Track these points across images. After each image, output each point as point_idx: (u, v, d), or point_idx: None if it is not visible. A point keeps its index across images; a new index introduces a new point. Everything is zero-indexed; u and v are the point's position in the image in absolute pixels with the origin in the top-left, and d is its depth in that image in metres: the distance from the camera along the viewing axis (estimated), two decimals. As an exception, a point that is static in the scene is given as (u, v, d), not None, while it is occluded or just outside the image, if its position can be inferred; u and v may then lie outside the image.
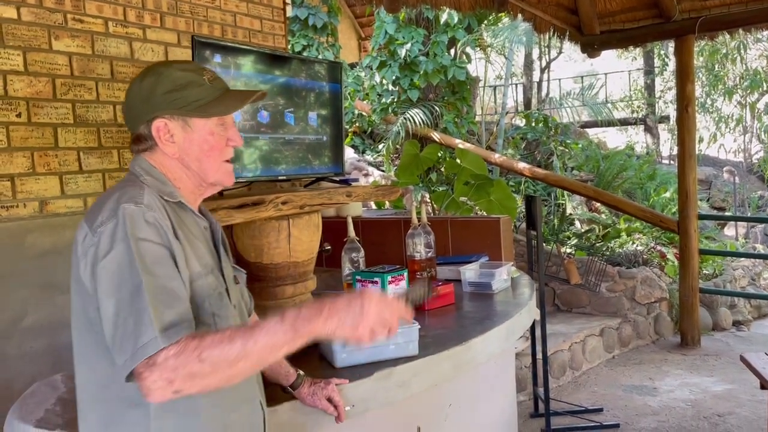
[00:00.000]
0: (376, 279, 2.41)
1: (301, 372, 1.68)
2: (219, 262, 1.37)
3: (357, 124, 8.63)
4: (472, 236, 3.50)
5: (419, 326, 2.02)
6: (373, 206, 5.40)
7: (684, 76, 5.15)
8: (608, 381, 4.49)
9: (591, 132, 13.82)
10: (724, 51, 11.90)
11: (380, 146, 7.75)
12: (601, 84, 12.42)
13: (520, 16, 5.54)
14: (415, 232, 3.20)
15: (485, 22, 7.57)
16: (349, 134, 8.70)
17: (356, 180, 3.73)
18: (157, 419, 1.20)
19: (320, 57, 9.04)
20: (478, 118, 10.24)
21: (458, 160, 4.55)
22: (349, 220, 2.73)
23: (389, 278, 2.41)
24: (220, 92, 1.33)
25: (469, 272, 3.07)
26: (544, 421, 3.67)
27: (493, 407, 2.61)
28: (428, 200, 5.55)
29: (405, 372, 1.93)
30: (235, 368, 1.11)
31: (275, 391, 1.65)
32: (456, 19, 6.90)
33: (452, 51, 7.79)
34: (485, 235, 3.46)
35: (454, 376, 2.14)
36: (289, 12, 5.10)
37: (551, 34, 5.81)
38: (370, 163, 7.77)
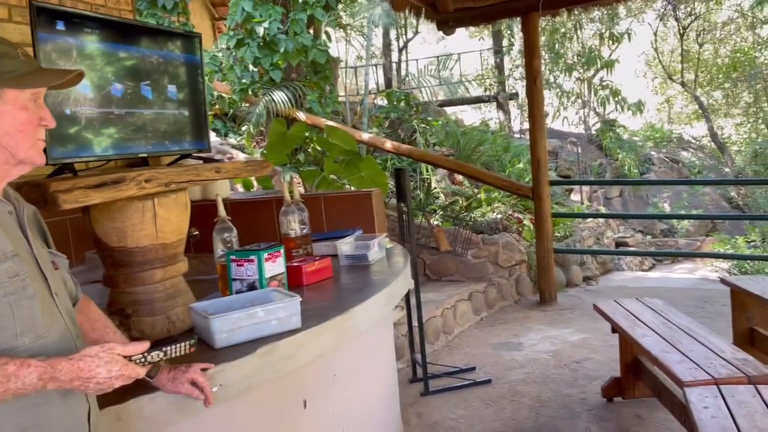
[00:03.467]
0: (252, 257, 2.35)
1: None
2: (30, 247, 1.28)
3: (218, 106, 8.32)
4: (345, 211, 3.52)
5: (300, 299, 2.00)
6: (240, 189, 5.26)
7: (531, 51, 5.50)
8: (479, 341, 4.74)
9: (449, 110, 14.39)
10: (563, 30, 12.82)
11: (243, 128, 7.54)
12: (455, 62, 12.91)
13: (377, -7, 5.61)
14: (289, 210, 3.16)
15: (343, 1, 7.56)
16: (210, 117, 8.38)
17: (221, 160, 3.59)
18: None
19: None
20: (341, 99, 10.28)
21: (329, 138, 4.54)
22: (219, 200, 2.64)
23: (266, 255, 2.35)
24: (35, 67, 1.27)
25: (345, 246, 3.09)
26: (423, 384, 3.81)
27: (375, 375, 2.66)
28: (298, 180, 5.49)
29: (289, 345, 1.92)
30: None
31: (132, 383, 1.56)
32: (313, -2, 6.83)
33: (312, 30, 7.72)
34: (358, 210, 3.49)
35: (338, 345, 2.15)
36: (136, -14, 4.77)
37: (408, 12, 5.94)
38: (233, 146, 7.54)
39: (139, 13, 8.51)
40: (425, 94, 10.75)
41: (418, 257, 5.77)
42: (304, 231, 3.19)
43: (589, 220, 8.02)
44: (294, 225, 3.15)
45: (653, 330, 2.93)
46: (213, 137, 7.99)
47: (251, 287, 2.34)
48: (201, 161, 2.32)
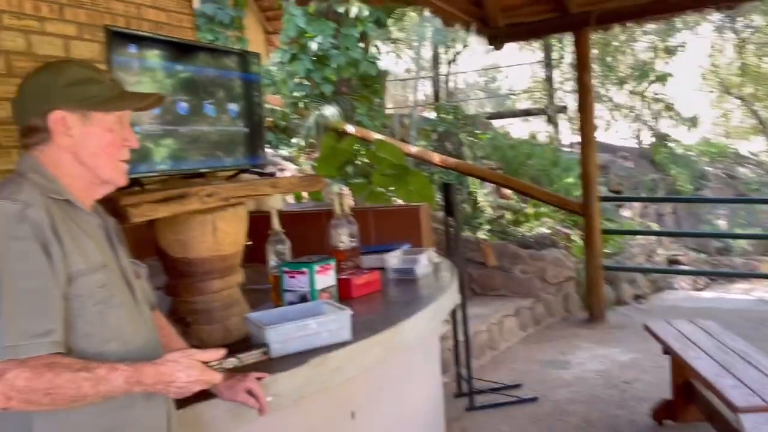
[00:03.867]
0: (303, 269, 2.41)
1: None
2: (116, 258, 1.37)
3: (270, 119, 8.52)
4: (393, 225, 3.57)
5: (351, 312, 2.05)
6: (292, 200, 5.38)
7: (582, 66, 5.46)
8: (525, 358, 4.71)
9: (496, 123, 14.33)
10: (616, 43, 12.65)
11: (294, 141, 7.70)
12: (504, 76, 12.88)
13: (427, 9, 5.68)
14: (339, 223, 3.22)
15: (393, 17, 7.66)
16: (262, 129, 8.58)
17: (274, 174, 3.70)
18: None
19: (228, 51, 8.84)
20: (390, 111, 10.39)
21: (377, 152, 4.61)
22: (274, 213, 2.73)
23: (317, 267, 2.42)
24: (120, 91, 1.36)
25: (393, 259, 3.14)
26: (468, 399, 3.81)
27: (421, 389, 2.69)
28: (347, 192, 5.57)
29: (339, 357, 1.96)
30: (68, 406, 1.17)
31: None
32: (366, 13, 6.95)
33: (364, 45, 7.85)
34: (406, 223, 3.54)
35: (385, 358, 2.19)
36: (197, 4, 4.97)
37: (458, 27, 5.98)
38: (284, 158, 7.70)
39: (198, 29, 8.81)
40: (472, 106, 10.77)
41: (485, 270, 5.78)
42: (353, 244, 3.24)
43: (640, 237, 7.86)
44: (343, 238, 3.20)
45: (706, 353, 2.87)
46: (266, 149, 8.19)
47: (302, 299, 2.41)
48: (257, 176, 2.41)
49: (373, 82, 7.27)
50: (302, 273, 2.41)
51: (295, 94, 7.21)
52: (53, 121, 1.27)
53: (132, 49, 1.86)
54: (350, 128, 6.71)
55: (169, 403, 1.42)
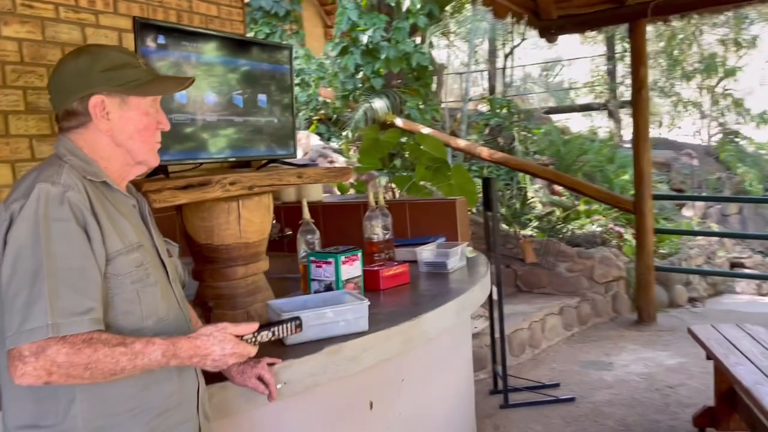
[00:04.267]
0: (330, 260, 2.44)
1: None
2: (151, 238, 1.42)
3: (322, 112, 8.63)
4: (429, 218, 3.56)
5: (368, 302, 2.06)
6: (337, 192, 5.43)
7: (637, 59, 5.27)
8: (566, 357, 4.61)
9: (555, 117, 14.02)
10: (681, 36, 12.14)
11: (345, 133, 7.76)
12: (560, 69, 12.57)
13: (479, 1, 5.60)
14: (373, 215, 3.24)
15: (449, 9, 7.60)
16: (314, 122, 8.69)
17: (315, 164, 3.75)
18: None
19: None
20: (445, 105, 10.32)
21: (419, 145, 4.60)
22: (304, 203, 2.76)
23: (343, 258, 2.44)
24: (155, 76, 1.39)
25: (425, 253, 3.12)
26: (503, 397, 3.76)
27: (447, 383, 2.67)
28: (391, 185, 5.58)
29: (355, 347, 1.98)
30: (107, 380, 1.21)
31: (205, 371, 1.62)
32: (418, 6, 6.92)
33: (416, 38, 7.83)
34: (442, 217, 3.52)
35: (404, 350, 2.19)
36: (248, -2, 5.04)
37: (510, 20, 5.88)
38: (334, 150, 7.78)
39: (254, 22, 9.01)
40: (531, 101, 10.58)
41: (508, 267, 5.70)
42: (387, 236, 3.26)
43: (700, 237, 7.55)
44: (377, 230, 3.22)
45: (749, 359, 2.74)
46: (316, 141, 8.29)
47: (328, 288, 2.44)
48: (289, 166, 2.45)
49: (424, 76, 7.24)
50: (328, 263, 2.44)
51: (347, 86, 7.25)
52: (93, 105, 1.31)
53: (161, 40, 1.92)
54: (399, 121, 6.71)
55: (201, 379, 1.46)
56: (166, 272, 1.43)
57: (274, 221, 3.96)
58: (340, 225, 3.70)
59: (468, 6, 8.78)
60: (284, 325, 1.48)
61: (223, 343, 1.32)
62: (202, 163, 2.14)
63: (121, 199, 1.37)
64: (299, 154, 8.12)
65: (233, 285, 2.16)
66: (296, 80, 8.48)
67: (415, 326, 2.19)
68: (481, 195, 5.52)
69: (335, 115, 8.41)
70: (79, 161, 1.32)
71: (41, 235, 1.18)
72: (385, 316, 2.25)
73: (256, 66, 2.29)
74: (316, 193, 4.04)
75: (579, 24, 5.58)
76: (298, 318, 1.54)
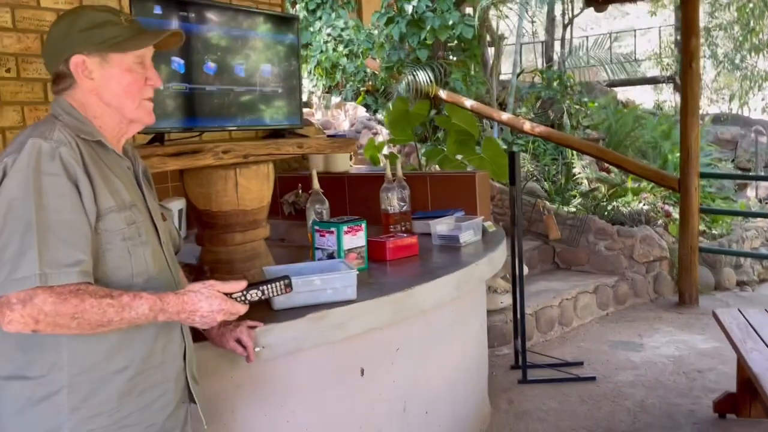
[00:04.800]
0: (332, 229, 2.48)
1: None
2: (144, 200, 1.44)
3: (370, 83, 8.61)
4: (449, 191, 3.54)
5: (357, 272, 2.09)
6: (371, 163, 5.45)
7: (688, 29, 5.01)
8: (596, 337, 4.53)
9: (620, 90, 13.49)
10: (751, 4, 11.39)
11: (388, 105, 7.74)
12: (624, 40, 12.02)
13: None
14: (389, 187, 3.26)
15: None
16: (362, 93, 8.70)
17: (343, 136, 3.76)
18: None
19: (335, 14, 9.00)
20: (502, 77, 10.10)
21: (449, 118, 4.54)
22: (314, 173, 2.81)
23: (345, 228, 2.47)
24: (137, 31, 1.39)
25: (438, 226, 3.12)
26: (522, 372, 3.74)
27: (449, 354, 2.69)
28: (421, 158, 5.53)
29: (341, 314, 2.02)
30: (95, 331, 1.25)
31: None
32: (465, -26, 6.78)
33: (466, 9, 7.67)
34: (462, 191, 3.50)
35: (396, 320, 2.22)
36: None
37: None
38: (379, 122, 7.78)
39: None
40: (588, 73, 10.21)
41: (546, 244, 5.60)
42: (404, 208, 3.27)
43: (759, 219, 7.17)
44: (394, 202, 3.24)
45: (767, 345, 2.63)
46: (362, 113, 8.30)
47: (330, 257, 2.49)
48: (298, 137, 2.49)
49: (471, 47, 7.11)
50: (331, 232, 2.48)
51: (392, 58, 7.21)
52: (74, 66, 1.34)
53: (157, 11, 1.98)
54: (442, 93, 6.63)
55: (188, 340, 1.50)
56: (158, 235, 1.45)
57: (301, 191, 4.04)
58: (365, 196, 3.73)
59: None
60: (273, 284, 1.48)
61: (210, 299, 1.35)
62: (202, 132, 2.20)
63: (115, 160, 1.40)
64: (345, 125, 8.17)
65: (231, 251, 2.24)
66: (344, 51, 8.49)
67: (407, 297, 2.21)
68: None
69: (382, 87, 8.39)
70: (73, 120, 1.35)
71: (32, 188, 1.21)
72: (379, 285, 2.28)
73: (259, 36, 2.32)
74: (342, 163, 4.09)
75: (628, -8, 5.33)
76: (287, 277, 1.52)
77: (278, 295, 1.50)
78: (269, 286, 1.47)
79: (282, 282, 1.50)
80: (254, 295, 1.44)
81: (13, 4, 2.94)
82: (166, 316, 1.31)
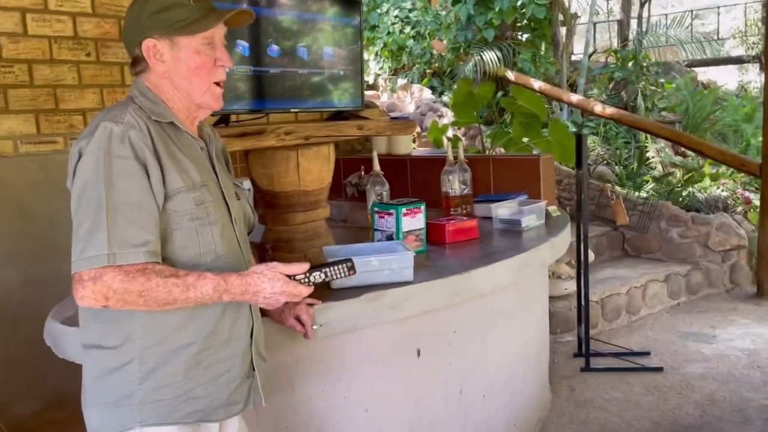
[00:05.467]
0: (391, 211, 2.49)
1: None
2: (217, 179, 1.48)
3: (436, 65, 8.54)
4: (512, 175, 3.49)
5: (413, 254, 2.10)
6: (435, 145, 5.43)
7: (777, 5, 4.70)
8: (665, 327, 4.38)
9: (701, 71, 12.84)
10: None
11: (454, 87, 7.66)
12: (693, 18, 11.37)
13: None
14: (450, 169, 3.25)
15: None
16: (428, 75, 8.64)
17: (406, 118, 3.77)
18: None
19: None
20: (574, 58, 9.81)
21: (515, 99, 4.45)
22: (375, 155, 2.83)
23: (404, 210, 2.48)
24: (205, 12, 1.40)
25: (500, 210, 3.09)
26: (584, 360, 3.67)
27: (507, 338, 2.67)
28: (486, 140, 5.46)
29: (396, 295, 2.03)
30: (162, 308, 1.30)
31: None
32: (535, -49, 6.58)
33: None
34: (526, 174, 3.44)
35: (452, 303, 2.22)
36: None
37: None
38: (444, 104, 7.72)
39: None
40: (666, 53, 9.77)
41: (615, 230, 5.44)
42: (465, 191, 3.26)
43: None
44: (455, 185, 3.23)
45: None
46: (427, 95, 8.25)
47: (389, 238, 2.50)
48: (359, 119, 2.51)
49: (541, 27, 6.92)
50: (390, 214, 2.50)
51: (459, 39, 7.12)
52: (146, 50, 1.38)
53: (223, -5, 2.02)
54: (510, 74, 6.51)
55: (256, 318, 1.54)
56: (230, 213, 1.48)
57: (363, 173, 4.08)
58: (427, 178, 3.73)
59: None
60: (337, 267, 1.48)
61: (273, 281, 1.37)
62: (264, 115, 2.25)
63: (187, 141, 1.43)
64: (411, 107, 8.15)
65: (292, 230, 2.29)
66: (411, 32, 8.43)
67: (464, 281, 2.21)
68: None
69: (449, 68, 8.30)
70: (148, 102, 1.39)
71: (103, 170, 1.26)
72: (437, 268, 2.29)
73: (324, 19, 2.34)
74: (405, 146, 4.09)
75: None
76: (350, 260, 1.51)
77: (342, 277, 1.50)
78: (333, 268, 1.47)
79: (345, 265, 1.49)
80: (318, 277, 1.44)
81: (93, -11, 3.08)
82: (230, 296, 1.35)
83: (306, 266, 1.43)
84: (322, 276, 1.46)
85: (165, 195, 1.33)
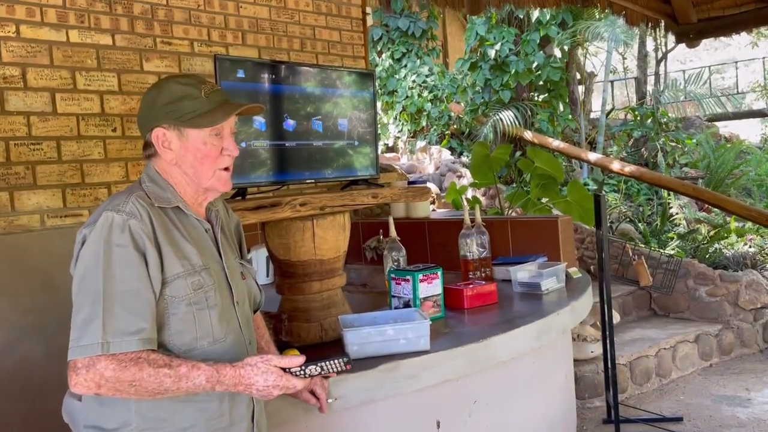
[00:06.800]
0: (408, 277, 2.49)
1: None
2: (221, 260, 1.49)
3: (455, 126, 8.67)
4: (531, 236, 3.48)
5: (430, 322, 2.09)
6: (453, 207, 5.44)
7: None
8: (698, 390, 4.22)
9: (722, 125, 12.81)
10: None
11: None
12: (710, 74, 11.43)
13: (608, 9, 5.35)
14: (468, 233, 3.24)
15: (584, 17, 7.32)
16: (447, 137, 8.77)
17: (423, 182, 3.81)
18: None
19: (419, 61, 9.21)
20: (592, 115, 9.90)
21: (532, 161, 4.48)
22: (391, 221, 2.85)
23: (420, 276, 2.48)
24: (215, 105, 1.44)
25: (520, 273, 3.06)
26: (614, 427, 3.54)
27: (530, 407, 2.60)
28: (505, 202, 5.46)
29: (414, 365, 2.01)
30: (153, 398, 1.31)
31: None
32: (548, 17, 6.75)
33: (550, 49, 7.62)
34: (543, 236, 3.42)
35: (470, 372, 2.18)
36: (370, 21, 5.25)
37: (645, 26, 5.55)
38: (464, 165, 7.78)
39: (392, 42, 9.32)
40: (686, 108, 9.81)
41: (643, 290, 5.33)
42: (484, 254, 3.24)
43: None
44: (473, 248, 3.22)
45: None
46: (447, 156, 8.35)
47: (407, 305, 2.49)
48: (374, 186, 2.54)
49: (557, 87, 7.02)
50: (406, 280, 2.49)
51: (476, 101, 7.24)
52: (155, 138, 1.42)
53: (240, 74, 2.11)
54: (527, 134, 6.57)
55: (257, 401, 1.52)
56: (232, 294, 1.48)
57: (381, 237, 4.09)
58: (445, 241, 3.73)
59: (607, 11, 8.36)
60: (333, 361, 1.49)
61: (266, 374, 1.37)
62: (281, 186, 2.30)
63: (192, 224, 1.46)
64: (430, 168, 8.23)
65: (309, 299, 2.29)
66: (429, 96, 8.62)
67: (482, 348, 2.18)
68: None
69: (467, 130, 8.42)
70: (156, 187, 1.43)
71: (102, 258, 1.30)
72: (454, 335, 2.26)
73: (336, 92, 2.41)
74: (423, 209, 4.11)
75: (721, 27, 5.12)
76: (347, 355, 1.55)
77: (337, 372, 1.51)
78: (329, 362, 1.48)
79: (342, 359, 1.50)
80: (313, 370, 1.44)
81: (119, 69, 3.22)
82: (223, 387, 1.35)
83: (301, 360, 1.44)
84: (318, 370, 1.46)
85: (162, 281, 1.36)
